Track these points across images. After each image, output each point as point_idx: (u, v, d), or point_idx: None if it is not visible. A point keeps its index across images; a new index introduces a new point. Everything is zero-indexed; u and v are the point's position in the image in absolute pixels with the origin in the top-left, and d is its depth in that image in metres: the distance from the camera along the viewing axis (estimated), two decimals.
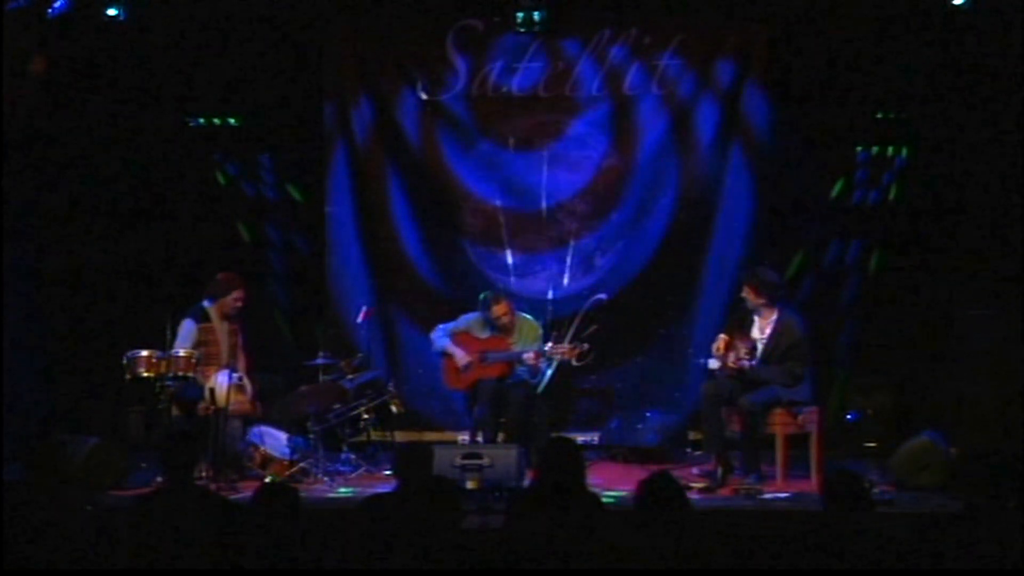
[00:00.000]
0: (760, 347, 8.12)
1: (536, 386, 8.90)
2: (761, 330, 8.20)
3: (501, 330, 8.82)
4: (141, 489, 7.40)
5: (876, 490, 7.21)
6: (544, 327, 9.07)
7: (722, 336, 8.22)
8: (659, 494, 4.88)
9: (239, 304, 8.49)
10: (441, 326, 8.96)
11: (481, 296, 9.00)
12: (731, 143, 9.81)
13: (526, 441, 8.34)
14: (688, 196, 9.88)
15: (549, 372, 9.07)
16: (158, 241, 9.88)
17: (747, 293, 8.21)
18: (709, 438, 8.29)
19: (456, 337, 8.87)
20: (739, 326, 8.26)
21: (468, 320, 8.96)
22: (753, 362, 8.03)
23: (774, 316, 8.18)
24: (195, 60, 9.73)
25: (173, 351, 8.11)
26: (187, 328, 8.37)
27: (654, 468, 7.12)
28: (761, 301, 8.17)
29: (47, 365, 9.51)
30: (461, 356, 8.76)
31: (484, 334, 8.86)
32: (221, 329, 8.47)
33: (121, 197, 9.82)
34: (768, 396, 8.04)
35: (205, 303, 8.48)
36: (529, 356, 8.62)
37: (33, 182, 9.39)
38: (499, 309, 8.78)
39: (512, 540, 5.33)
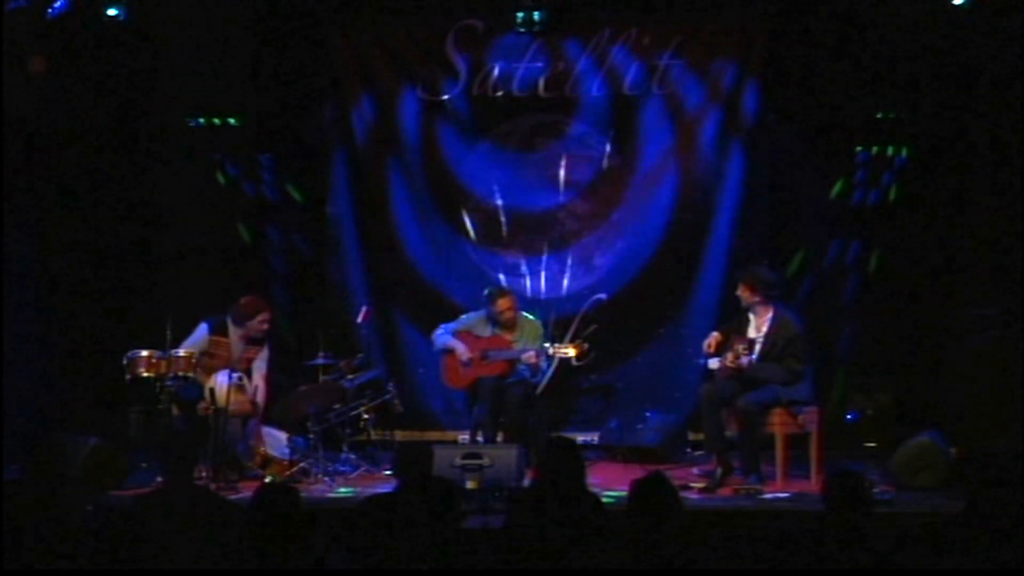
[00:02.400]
0: (757, 345, 8.11)
1: (536, 385, 8.90)
2: (757, 329, 8.19)
3: (503, 326, 8.82)
4: (141, 489, 7.40)
5: (876, 490, 7.21)
6: (545, 326, 9.06)
7: (714, 334, 8.22)
8: (651, 495, 4.87)
9: (265, 326, 8.51)
10: (443, 325, 8.96)
11: (486, 291, 9.01)
12: (731, 143, 9.81)
13: (526, 441, 8.34)
14: (688, 196, 9.88)
15: (549, 371, 9.08)
16: (159, 241, 9.87)
17: (742, 291, 8.21)
18: (709, 439, 8.29)
19: (458, 336, 8.87)
20: (735, 326, 8.26)
21: (470, 319, 8.96)
22: (752, 357, 8.02)
23: (770, 314, 8.17)
24: (195, 60, 9.73)
25: (173, 351, 8.10)
26: (200, 332, 8.39)
27: (652, 468, 7.13)
28: (756, 299, 8.16)
29: (47, 365, 9.51)
30: (463, 350, 8.75)
31: (486, 333, 8.86)
32: (236, 347, 8.47)
33: (121, 197, 9.82)
34: (767, 396, 8.03)
35: (228, 319, 8.48)
36: (530, 355, 8.62)
37: (33, 182, 9.39)
38: (503, 303, 8.78)
39: (512, 540, 5.33)
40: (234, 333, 8.49)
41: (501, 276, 9.93)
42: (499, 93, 9.90)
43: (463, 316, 9.03)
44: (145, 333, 8.45)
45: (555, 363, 9.01)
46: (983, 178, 9.30)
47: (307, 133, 10.04)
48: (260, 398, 8.43)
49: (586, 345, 8.90)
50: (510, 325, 8.84)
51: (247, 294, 8.66)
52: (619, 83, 9.86)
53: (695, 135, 9.86)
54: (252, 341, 8.53)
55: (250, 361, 8.55)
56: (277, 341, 9.88)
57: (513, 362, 8.75)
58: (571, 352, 8.71)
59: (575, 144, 9.97)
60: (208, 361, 8.35)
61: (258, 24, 9.70)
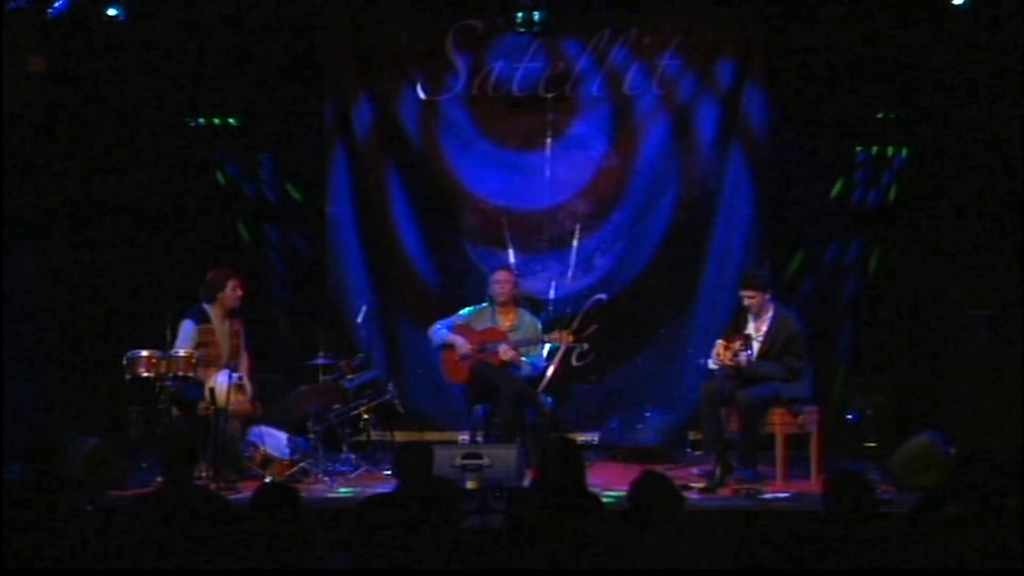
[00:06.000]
0: (756, 342, 8.12)
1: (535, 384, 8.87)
2: (756, 328, 8.21)
3: (499, 304, 8.78)
4: (141, 489, 7.41)
5: (876, 490, 7.20)
6: (544, 326, 9.06)
7: (720, 341, 8.21)
8: (651, 494, 4.87)
9: (239, 293, 8.47)
10: (439, 321, 8.95)
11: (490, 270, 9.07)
12: (731, 143, 9.81)
13: (521, 441, 8.33)
14: (688, 196, 9.88)
15: (550, 370, 9.11)
16: (158, 241, 9.87)
17: (752, 297, 8.18)
18: (708, 438, 8.30)
19: (455, 330, 8.85)
20: (734, 326, 8.28)
21: (467, 313, 8.95)
22: (749, 352, 8.04)
23: (769, 313, 8.20)
24: (195, 60, 9.73)
25: (173, 351, 8.10)
26: (187, 329, 8.34)
27: (647, 468, 7.15)
28: (766, 297, 8.20)
29: (47, 365, 9.50)
30: (461, 343, 8.74)
31: (482, 326, 8.85)
32: (221, 329, 8.47)
33: (121, 197, 9.82)
34: (767, 391, 8.05)
35: (204, 305, 8.47)
36: (506, 350, 8.60)
37: (33, 182, 9.39)
38: (501, 275, 8.82)
39: (512, 540, 5.33)
40: (214, 315, 8.46)
41: None
42: (499, 93, 9.90)
43: (461, 311, 9.02)
44: (145, 333, 8.44)
45: (556, 358, 9.04)
46: (982, 178, 9.30)
47: (307, 133, 10.04)
48: (244, 369, 8.44)
49: (586, 345, 8.91)
50: (505, 303, 8.80)
51: (212, 270, 8.61)
52: (619, 83, 9.86)
53: (695, 135, 9.86)
54: (232, 314, 8.50)
55: (238, 335, 8.54)
56: (277, 341, 9.93)
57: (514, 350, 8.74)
58: (567, 338, 8.69)
59: (575, 144, 9.97)
60: (206, 351, 8.33)
61: (258, 23, 9.69)
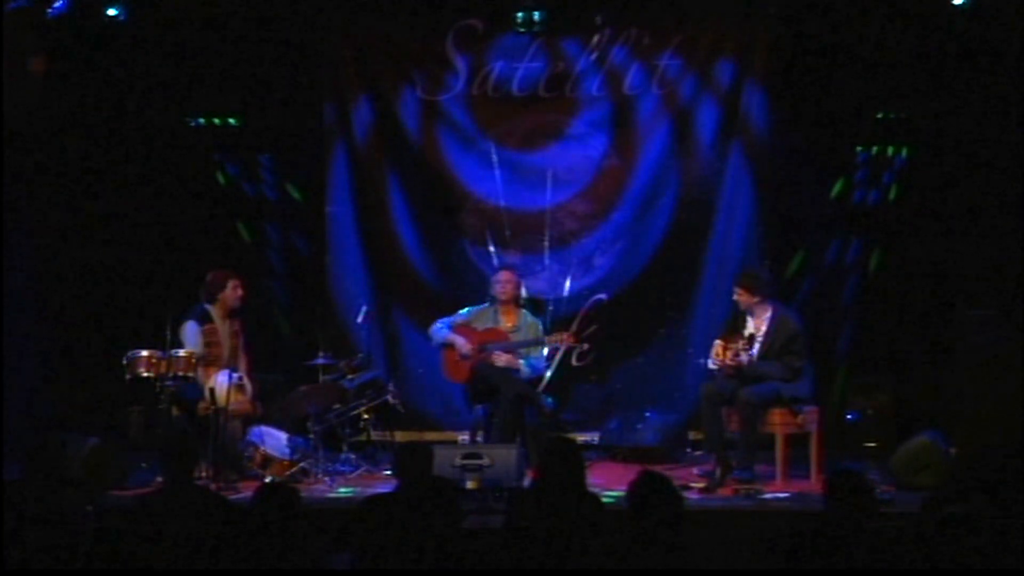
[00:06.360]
0: (757, 343, 8.13)
1: (535, 384, 8.88)
2: (756, 328, 8.21)
3: (500, 302, 8.79)
4: (141, 489, 7.41)
5: (876, 490, 7.20)
6: (545, 327, 9.06)
7: (718, 342, 8.22)
8: (651, 494, 4.88)
9: (240, 292, 8.48)
10: (440, 319, 8.94)
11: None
12: (731, 143, 9.81)
13: (521, 440, 8.33)
14: (688, 196, 9.88)
15: (549, 372, 9.11)
16: (158, 241, 9.88)
17: (740, 295, 8.21)
18: (709, 438, 8.30)
19: (456, 329, 8.85)
20: (734, 326, 8.28)
21: (469, 313, 8.93)
22: (752, 353, 8.05)
23: (768, 313, 8.20)
24: (195, 60, 9.73)
25: (173, 351, 8.10)
26: (191, 330, 8.34)
27: (646, 468, 7.15)
28: (755, 300, 8.20)
29: (47, 365, 9.51)
30: (463, 343, 8.72)
31: (483, 326, 8.85)
32: (223, 329, 8.47)
33: (121, 197, 9.82)
34: (768, 390, 8.05)
35: (205, 305, 8.46)
36: (499, 356, 8.60)
37: (33, 182, 9.39)
38: (504, 275, 8.81)
39: (512, 540, 5.33)
40: (215, 314, 8.46)
41: None
42: (499, 93, 9.90)
43: (462, 310, 9.01)
44: (145, 333, 8.45)
45: (556, 359, 9.03)
46: (982, 178, 9.30)
47: (307, 133, 10.04)
48: (243, 369, 8.44)
49: (586, 345, 8.90)
50: (506, 303, 8.80)
51: (212, 270, 8.61)
52: (619, 83, 9.86)
53: (695, 135, 9.86)
54: (232, 314, 8.50)
55: (238, 335, 8.54)
56: (277, 341, 9.93)
57: (514, 354, 8.73)
58: (569, 339, 8.67)
59: (575, 144, 9.97)
60: (209, 352, 8.33)
61: (258, 23, 9.69)
